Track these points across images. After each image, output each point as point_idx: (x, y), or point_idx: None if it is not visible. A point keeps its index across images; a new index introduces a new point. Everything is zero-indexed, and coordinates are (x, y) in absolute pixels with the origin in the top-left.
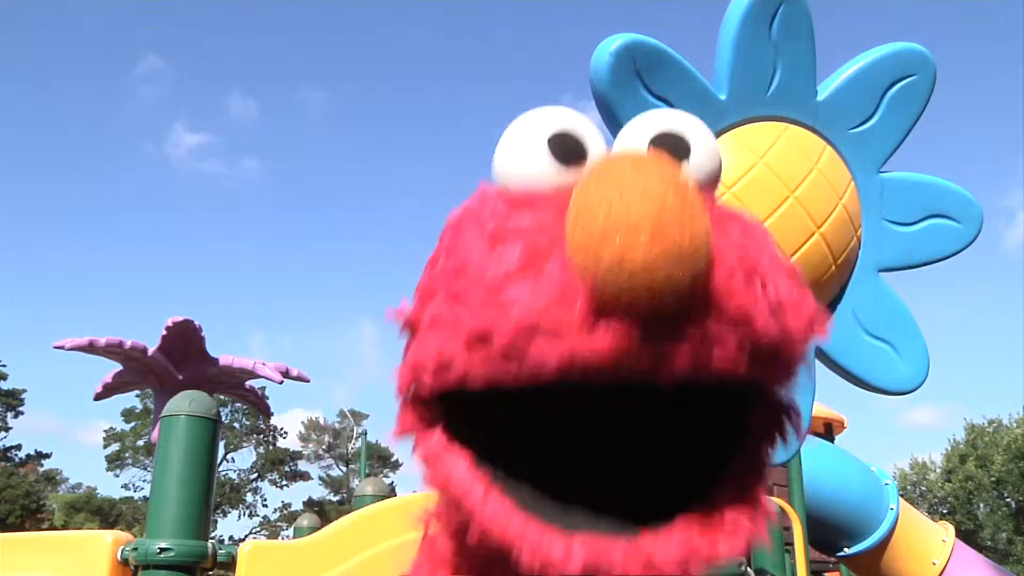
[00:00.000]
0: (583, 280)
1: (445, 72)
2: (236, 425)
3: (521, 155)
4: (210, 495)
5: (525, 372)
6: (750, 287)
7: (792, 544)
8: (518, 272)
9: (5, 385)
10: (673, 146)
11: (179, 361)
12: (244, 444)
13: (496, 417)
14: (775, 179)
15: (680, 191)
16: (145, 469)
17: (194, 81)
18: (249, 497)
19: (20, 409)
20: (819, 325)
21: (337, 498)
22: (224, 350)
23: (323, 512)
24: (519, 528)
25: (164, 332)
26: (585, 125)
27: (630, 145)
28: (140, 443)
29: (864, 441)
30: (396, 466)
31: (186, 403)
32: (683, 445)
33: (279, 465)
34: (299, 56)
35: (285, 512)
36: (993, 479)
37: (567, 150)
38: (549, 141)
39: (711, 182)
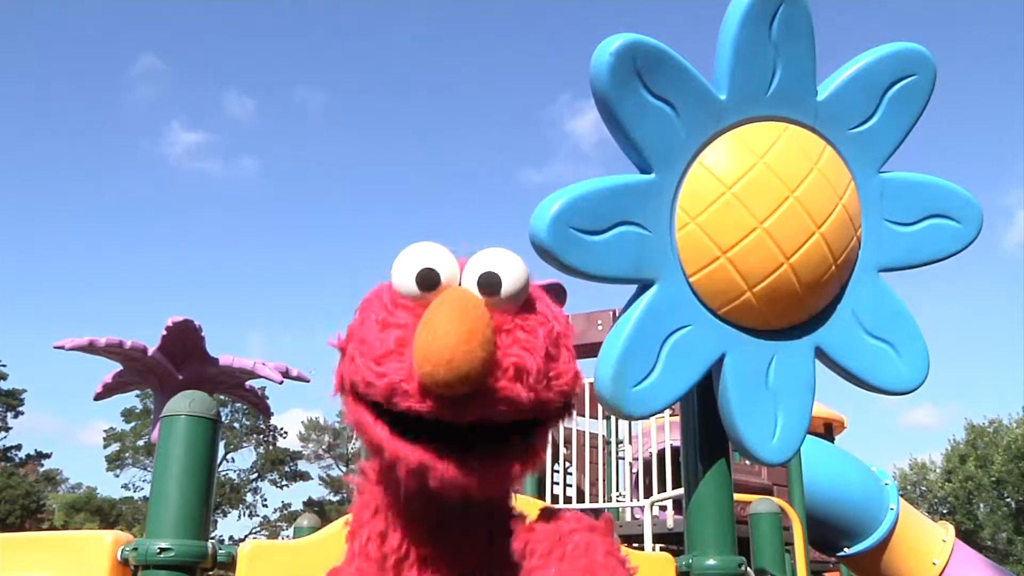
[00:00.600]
0: (419, 377)
1: (444, 71)
2: (236, 425)
3: (402, 278)
4: (210, 495)
5: (391, 406)
6: (516, 380)
7: (792, 544)
8: (392, 353)
9: (5, 385)
10: (489, 282)
11: (179, 361)
12: (244, 444)
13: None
14: (775, 179)
15: (468, 331)
16: (145, 469)
17: (191, 80)
18: (249, 497)
19: (20, 409)
20: (571, 387)
21: (337, 498)
22: (223, 350)
23: (323, 512)
24: (389, 440)
25: (164, 332)
26: (440, 261)
27: (465, 280)
28: (140, 443)
29: (864, 441)
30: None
31: (186, 403)
32: (495, 431)
33: (279, 465)
34: (297, 54)
35: (285, 512)
36: (993, 479)
37: (428, 280)
38: (416, 276)
39: (516, 299)
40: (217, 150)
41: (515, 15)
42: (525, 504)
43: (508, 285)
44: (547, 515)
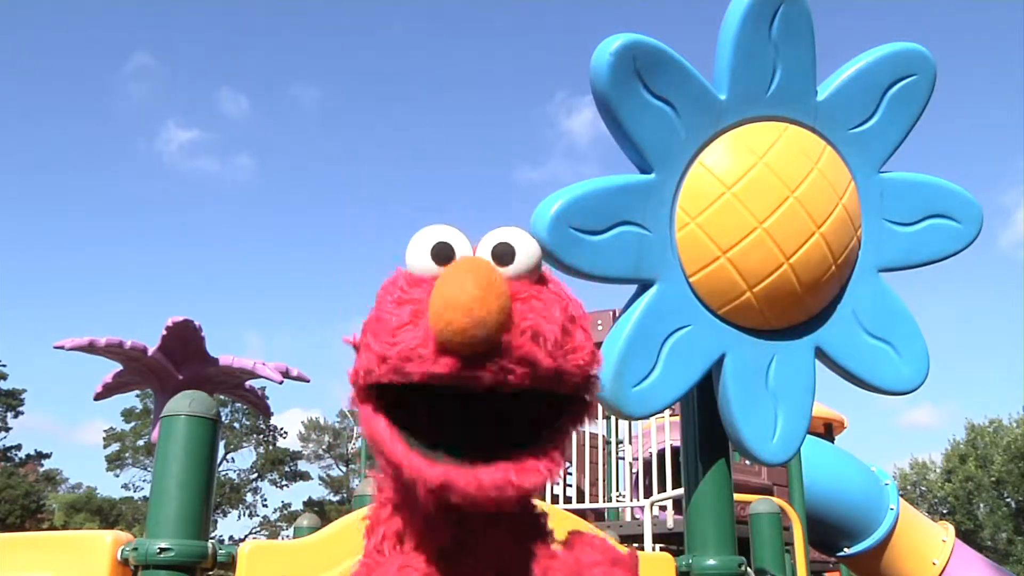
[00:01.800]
0: (434, 334)
1: (440, 69)
2: (236, 425)
3: (416, 257)
4: (210, 495)
5: (406, 379)
6: (532, 343)
7: (792, 544)
8: (406, 324)
9: (5, 385)
10: (503, 253)
11: (179, 361)
12: (244, 444)
13: (406, 404)
14: (775, 179)
15: (484, 295)
16: (145, 469)
17: (184, 78)
18: (249, 497)
19: (20, 409)
20: (590, 363)
21: (337, 498)
22: (220, 349)
23: (323, 512)
24: (407, 458)
25: (164, 332)
26: (454, 237)
27: (479, 253)
28: (140, 443)
29: (864, 441)
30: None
31: (186, 403)
32: (520, 428)
33: (279, 465)
34: (291, 51)
35: (285, 512)
36: (993, 479)
37: (443, 254)
38: (431, 250)
39: (530, 272)
40: (212, 148)
41: (511, 12)
42: (553, 513)
43: (521, 256)
44: (573, 540)
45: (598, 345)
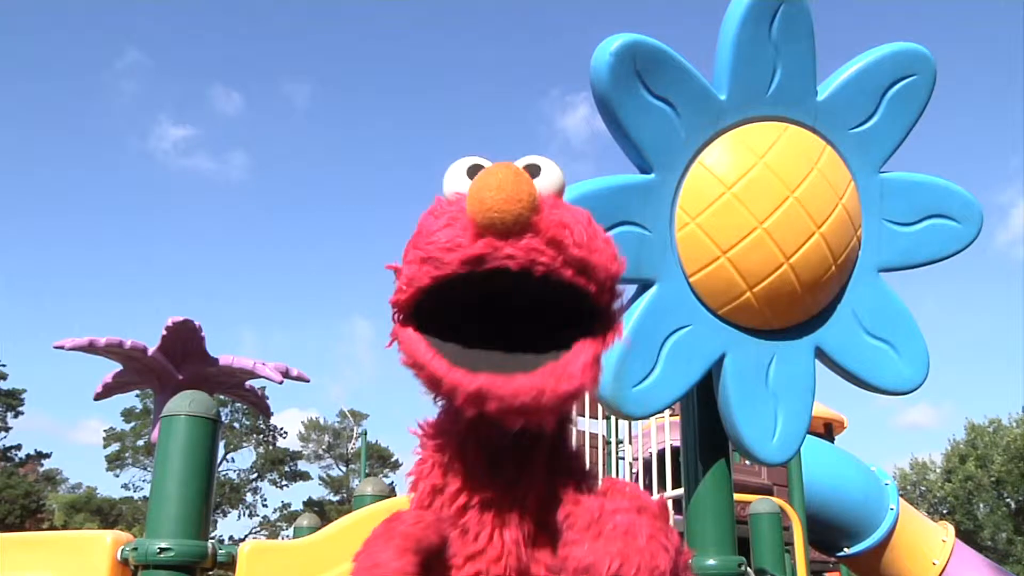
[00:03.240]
0: (472, 218)
1: (434, 66)
2: (236, 425)
3: (453, 179)
4: (210, 495)
5: (446, 270)
6: (561, 228)
7: (792, 544)
8: (445, 226)
9: (5, 385)
10: (531, 169)
11: (179, 361)
12: (244, 444)
13: (442, 313)
14: (775, 179)
15: (516, 177)
16: (145, 469)
17: (176, 75)
18: (249, 497)
19: (20, 409)
20: (614, 262)
21: (337, 498)
22: (216, 347)
23: (323, 512)
24: (445, 370)
25: (164, 332)
26: (484, 161)
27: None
28: (140, 443)
29: (864, 441)
30: (396, 466)
31: (186, 403)
32: (553, 338)
33: (279, 465)
34: (283, 48)
35: (285, 512)
36: (993, 479)
37: (476, 171)
38: (467, 169)
39: (556, 189)
40: (205, 145)
41: (506, 8)
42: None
43: (547, 173)
44: (604, 487)
45: None
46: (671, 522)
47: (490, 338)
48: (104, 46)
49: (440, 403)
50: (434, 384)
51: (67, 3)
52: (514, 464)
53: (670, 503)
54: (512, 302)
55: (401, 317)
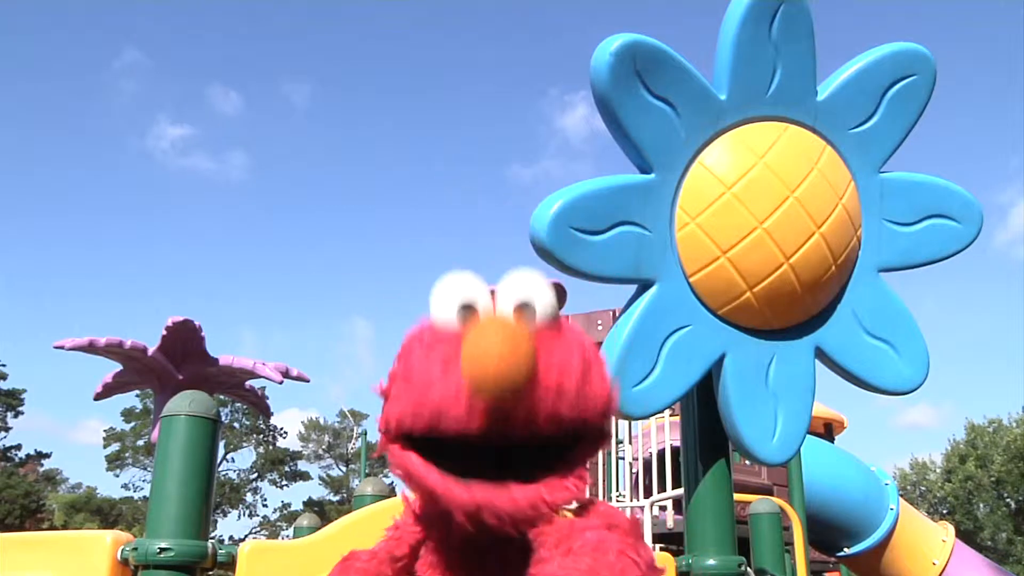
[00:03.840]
0: (468, 388)
1: (431, 66)
2: (236, 425)
3: (441, 310)
4: (210, 495)
5: (440, 434)
6: (558, 398)
7: (792, 544)
8: (438, 378)
9: (5, 385)
10: (523, 308)
11: (179, 361)
12: (244, 444)
13: (432, 442)
14: (775, 179)
15: (512, 344)
16: (145, 469)
17: (174, 74)
18: (249, 497)
19: (20, 409)
20: (608, 406)
21: (337, 498)
22: (214, 346)
23: (323, 512)
24: (442, 484)
25: (164, 332)
26: (477, 292)
27: (500, 309)
28: (140, 443)
29: (864, 441)
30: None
31: (186, 403)
32: (544, 456)
33: (279, 465)
34: (283, 48)
35: (285, 512)
36: (993, 479)
37: (469, 311)
38: (458, 310)
39: (549, 319)
40: (204, 145)
41: (505, 9)
42: None
43: (542, 311)
44: (578, 508)
45: (599, 344)
46: (647, 539)
47: (480, 453)
48: (102, 46)
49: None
50: (430, 498)
51: (65, 3)
52: (497, 559)
53: (669, 503)
54: None
55: (391, 437)
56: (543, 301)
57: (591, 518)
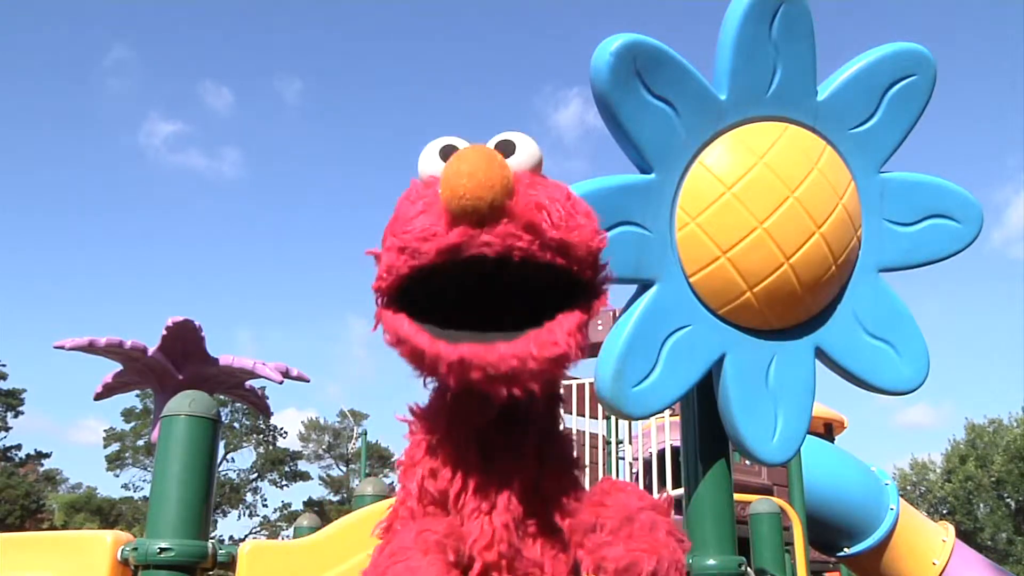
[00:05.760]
0: (446, 207)
1: (425, 62)
2: (236, 425)
3: (427, 161)
4: (210, 495)
5: (424, 259)
6: (537, 211)
7: (792, 544)
8: (420, 213)
9: (5, 385)
10: (505, 147)
11: (179, 361)
12: (244, 444)
13: (424, 295)
14: (775, 179)
15: (488, 162)
16: (145, 469)
17: (164, 71)
18: (249, 497)
19: (20, 409)
20: (594, 240)
21: (337, 498)
22: (210, 346)
23: (323, 512)
24: (428, 342)
25: (164, 332)
26: (460, 141)
27: (481, 144)
28: (140, 443)
29: (864, 441)
30: (396, 466)
31: (186, 403)
32: (533, 314)
33: (279, 465)
34: (274, 44)
35: (285, 512)
36: (993, 479)
37: (450, 152)
38: (439, 151)
39: (533, 166)
40: (196, 141)
41: (499, 6)
42: None
43: (522, 150)
44: (612, 488)
45: (597, 345)
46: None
47: (473, 318)
48: (90, 43)
49: (431, 385)
50: (417, 357)
51: (51, 1)
52: (504, 448)
53: None
54: (493, 280)
55: (384, 301)
56: (526, 145)
57: (636, 499)
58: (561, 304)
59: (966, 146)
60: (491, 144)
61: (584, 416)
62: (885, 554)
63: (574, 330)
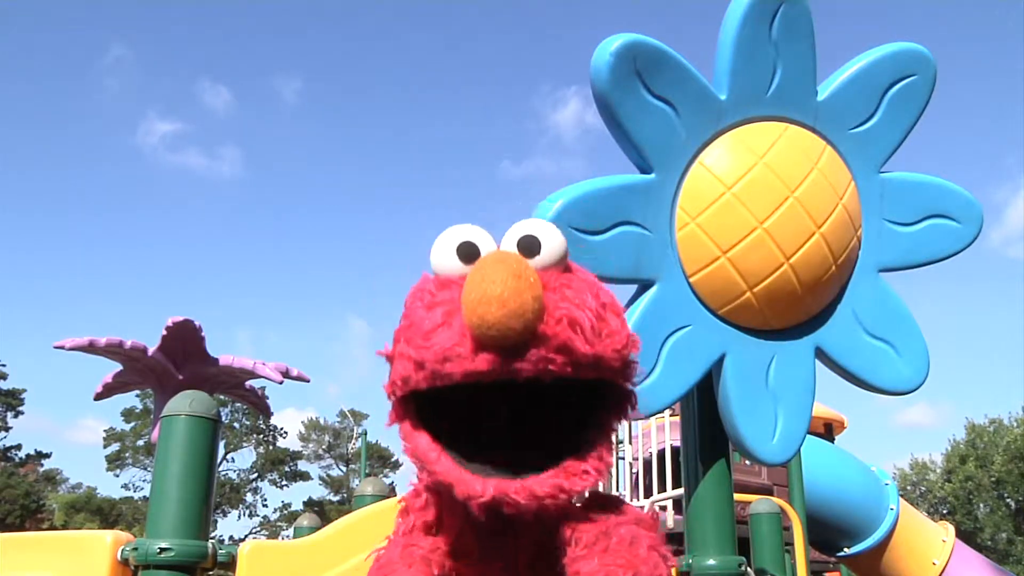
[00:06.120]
0: (470, 330)
1: (423, 63)
2: (236, 425)
3: (442, 258)
4: (210, 495)
5: (446, 381)
6: (569, 329)
7: (792, 544)
8: (440, 326)
9: (5, 385)
10: (529, 244)
11: (179, 361)
12: (244, 444)
13: (443, 411)
14: (775, 179)
15: (515, 280)
16: (145, 469)
17: (161, 69)
18: (249, 497)
19: (20, 409)
20: (627, 347)
21: (337, 498)
22: (209, 346)
23: (323, 512)
24: (456, 475)
25: (164, 332)
26: (479, 235)
27: (504, 246)
28: (140, 443)
29: (864, 441)
30: (396, 466)
31: (186, 403)
32: (562, 426)
33: (279, 465)
34: (272, 43)
35: (285, 512)
36: (993, 479)
37: (468, 253)
38: (456, 249)
39: (557, 263)
40: (195, 140)
41: (498, 5)
42: None
43: (547, 247)
44: (596, 502)
45: None
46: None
47: (495, 429)
48: (87, 43)
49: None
50: (443, 486)
51: (48, 1)
52: (509, 526)
53: (669, 503)
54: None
55: (400, 413)
56: (550, 239)
57: (617, 514)
58: (591, 403)
59: (966, 146)
60: (512, 241)
61: None
62: (885, 554)
63: (605, 453)
